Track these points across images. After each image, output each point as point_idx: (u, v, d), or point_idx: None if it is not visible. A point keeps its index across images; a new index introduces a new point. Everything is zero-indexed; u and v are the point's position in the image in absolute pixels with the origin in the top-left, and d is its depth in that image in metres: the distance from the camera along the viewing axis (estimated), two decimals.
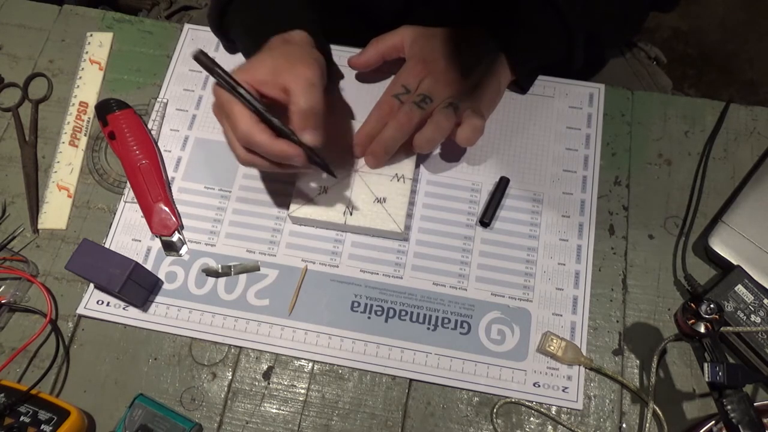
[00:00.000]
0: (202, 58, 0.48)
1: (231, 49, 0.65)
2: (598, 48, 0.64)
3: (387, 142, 0.55)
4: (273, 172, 0.52)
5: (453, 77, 0.55)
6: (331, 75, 0.62)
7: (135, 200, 0.59)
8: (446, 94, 0.55)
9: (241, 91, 0.48)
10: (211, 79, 0.63)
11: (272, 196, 0.59)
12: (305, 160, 0.48)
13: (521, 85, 0.62)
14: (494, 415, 0.51)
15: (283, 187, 0.59)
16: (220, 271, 0.56)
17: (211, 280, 0.56)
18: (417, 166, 0.59)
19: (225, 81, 0.48)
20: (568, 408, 0.52)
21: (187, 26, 0.67)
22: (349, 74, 0.64)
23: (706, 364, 0.45)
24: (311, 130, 0.48)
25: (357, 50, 0.62)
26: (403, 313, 0.54)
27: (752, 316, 0.51)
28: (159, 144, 0.61)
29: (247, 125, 0.47)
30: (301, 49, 0.53)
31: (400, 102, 0.55)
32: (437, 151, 0.61)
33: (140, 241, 0.57)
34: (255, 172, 0.60)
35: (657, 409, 0.50)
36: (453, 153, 0.60)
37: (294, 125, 0.48)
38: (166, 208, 0.58)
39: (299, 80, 0.48)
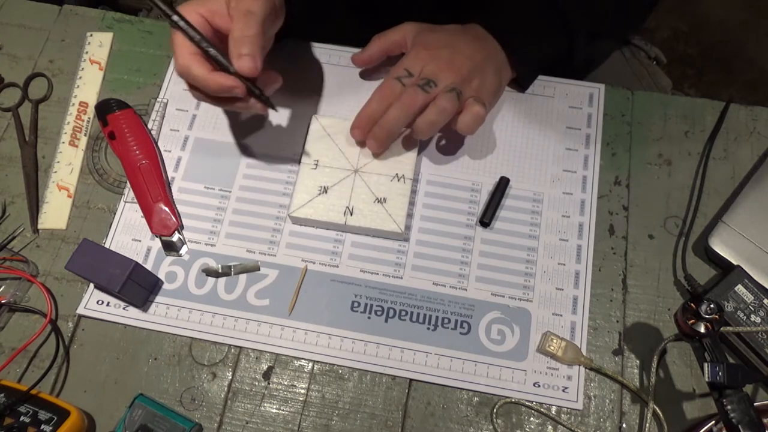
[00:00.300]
0: None
1: None
2: (601, 41, 0.64)
3: (390, 124, 0.54)
4: (219, 106, 0.51)
5: (457, 65, 0.55)
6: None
7: (135, 200, 0.59)
8: (450, 80, 0.54)
9: (175, 18, 0.47)
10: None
11: (272, 196, 0.59)
12: (245, 91, 0.48)
13: (521, 83, 0.62)
14: (494, 415, 0.51)
15: (283, 187, 0.59)
16: (220, 271, 0.56)
17: (211, 280, 0.56)
18: (417, 165, 0.59)
19: (161, 9, 0.47)
20: (568, 408, 0.52)
21: None
22: (351, 74, 0.64)
23: (706, 364, 0.45)
24: (244, 57, 0.47)
25: (358, 50, 0.62)
26: (403, 313, 0.54)
27: (752, 316, 0.51)
28: (159, 144, 0.61)
29: (184, 57, 0.47)
30: None
31: (402, 84, 0.54)
32: (437, 149, 0.61)
33: (140, 241, 0.57)
34: (255, 172, 0.60)
35: (657, 409, 0.50)
36: (453, 152, 0.60)
37: (230, 54, 0.48)
38: (166, 208, 0.58)
39: (240, 10, 0.48)
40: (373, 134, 0.55)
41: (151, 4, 0.47)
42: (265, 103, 0.51)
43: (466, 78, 0.55)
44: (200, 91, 0.49)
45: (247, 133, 0.61)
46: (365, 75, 0.64)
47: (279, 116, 0.62)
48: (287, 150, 0.61)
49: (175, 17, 0.47)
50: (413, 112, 0.54)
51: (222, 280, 0.56)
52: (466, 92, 0.55)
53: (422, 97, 0.53)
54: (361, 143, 0.58)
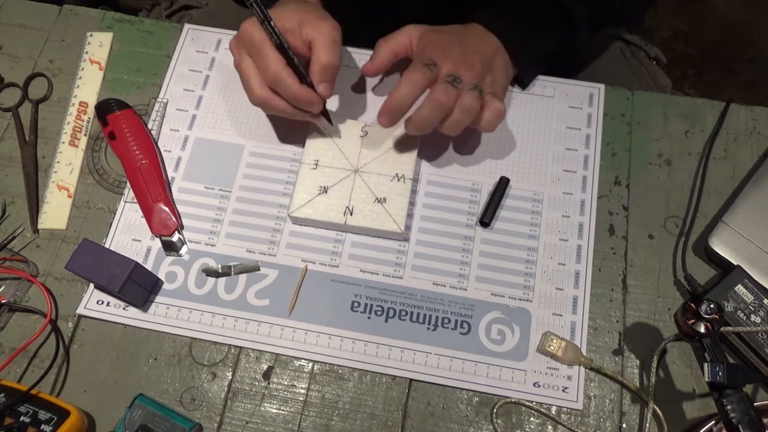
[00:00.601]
0: (255, 8, 0.50)
1: None
2: (605, 28, 0.63)
3: (423, 122, 0.53)
4: (283, 114, 0.55)
5: (470, 62, 0.54)
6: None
7: (135, 200, 0.59)
8: (468, 77, 0.53)
9: (273, 23, 0.51)
10: (214, 76, 0.64)
11: (272, 196, 0.59)
12: (321, 108, 0.54)
13: (523, 80, 0.62)
14: (494, 415, 0.51)
15: (283, 187, 0.59)
16: (220, 271, 0.56)
17: (211, 280, 0.56)
18: (417, 165, 0.59)
19: (262, 14, 0.50)
20: (568, 408, 0.52)
21: (187, 26, 0.67)
22: (351, 74, 0.64)
23: (706, 364, 0.45)
24: (326, 83, 0.53)
25: (356, 49, 0.62)
26: (403, 313, 0.54)
27: (752, 316, 0.51)
28: (159, 144, 0.61)
29: (278, 67, 0.51)
30: (321, 9, 0.56)
31: (431, 71, 0.53)
32: (438, 149, 0.60)
33: (140, 241, 0.57)
34: (255, 172, 0.60)
35: (657, 409, 0.50)
36: (454, 152, 0.60)
37: (313, 76, 0.53)
38: (166, 208, 0.58)
39: (324, 36, 0.52)
40: (407, 131, 0.55)
41: (252, 8, 0.50)
42: (327, 119, 0.57)
43: (480, 74, 0.54)
44: (276, 98, 0.53)
45: (247, 133, 0.61)
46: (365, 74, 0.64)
47: (279, 116, 0.62)
48: (287, 150, 0.61)
49: (273, 23, 0.51)
50: (446, 109, 0.52)
51: (222, 280, 0.56)
52: (485, 89, 0.54)
53: (454, 94, 0.52)
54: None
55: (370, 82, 0.63)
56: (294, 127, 0.61)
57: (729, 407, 0.44)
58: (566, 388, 0.52)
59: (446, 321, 0.54)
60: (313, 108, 0.54)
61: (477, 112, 0.53)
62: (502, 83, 0.57)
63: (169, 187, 0.59)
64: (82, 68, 0.65)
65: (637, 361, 0.53)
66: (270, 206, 0.59)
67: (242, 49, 0.54)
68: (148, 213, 0.58)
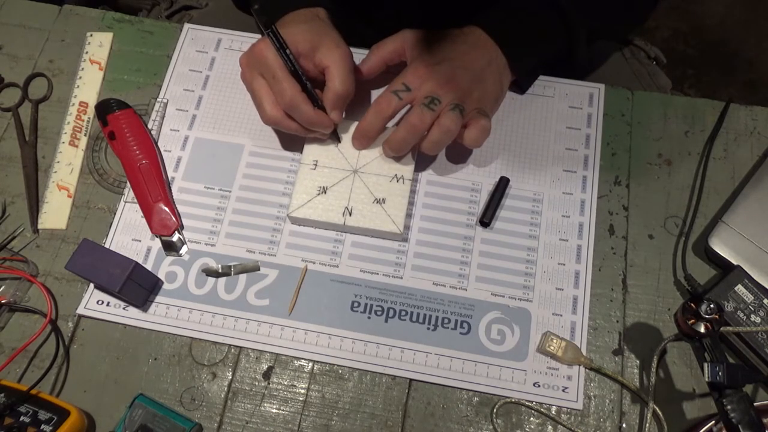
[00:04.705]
0: (272, 36, 0.52)
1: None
2: (602, 40, 0.64)
3: (398, 144, 0.55)
4: (294, 132, 0.56)
5: (456, 80, 0.55)
6: None
7: (135, 200, 0.59)
8: (450, 96, 0.54)
9: (288, 52, 0.52)
10: (214, 76, 0.64)
11: (272, 196, 0.59)
12: (331, 130, 0.57)
13: (521, 86, 0.62)
14: (494, 415, 0.51)
15: (283, 187, 0.59)
16: (220, 271, 0.56)
17: (211, 280, 0.56)
18: (416, 166, 0.59)
19: (278, 42, 0.52)
20: (568, 408, 0.52)
21: (187, 26, 0.67)
22: None
23: (706, 364, 0.45)
24: (339, 110, 0.55)
25: (357, 49, 0.62)
26: (403, 313, 0.54)
27: (752, 316, 0.51)
28: (159, 144, 0.61)
29: (294, 93, 0.53)
30: (333, 31, 0.57)
31: (399, 98, 0.54)
32: None
33: (140, 241, 0.57)
34: (255, 172, 0.60)
35: (657, 409, 0.50)
36: (453, 153, 0.60)
37: (326, 103, 0.55)
38: (166, 208, 0.58)
39: (339, 65, 0.54)
40: (384, 153, 0.57)
41: (270, 37, 0.52)
42: (335, 137, 0.58)
43: (466, 91, 0.55)
44: (289, 120, 0.55)
45: (247, 134, 0.61)
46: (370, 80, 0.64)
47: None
48: (287, 150, 0.61)
49: (288, 51, 0.52)
50: (421, 132, 0.54)
51: (222, 280, 0.56)
52: (469, 106, 0.54)
53: (429, 117, 0.53)
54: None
55: (370, 82, 0.63)
56: None
57: (729, 407, 0.44)
58: (566, 388, 0.52)
59: (446, 321, 0.54)
60: (324, 130, 0.56)
61: (456, 132, 0.54)
62: (493, 95, 0.58)
63: (169, 187, 0.59)
64: (82, 68, 0.65)
65: (637, 361, 0.53)
66: (270, 206, 0.59)
67: (254, 70, 0.55)
68: (148, 213, 0.58)
